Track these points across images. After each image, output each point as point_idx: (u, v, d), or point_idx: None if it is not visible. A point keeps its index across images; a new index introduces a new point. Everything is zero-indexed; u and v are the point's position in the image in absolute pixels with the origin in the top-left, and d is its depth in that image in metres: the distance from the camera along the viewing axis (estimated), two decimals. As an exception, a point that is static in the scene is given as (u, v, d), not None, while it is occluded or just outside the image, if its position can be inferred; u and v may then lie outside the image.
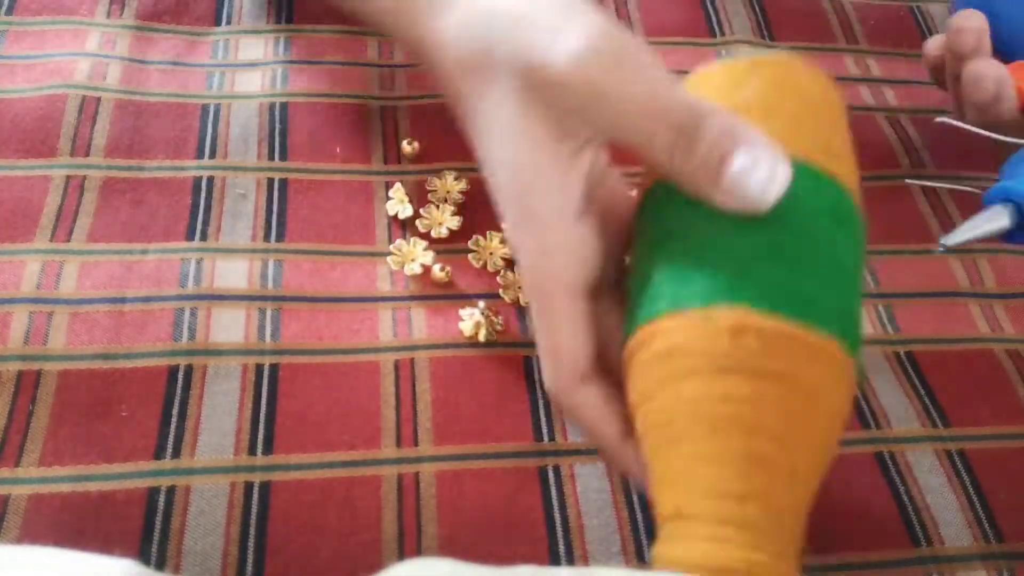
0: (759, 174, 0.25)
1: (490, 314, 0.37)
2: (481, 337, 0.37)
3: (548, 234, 0.28)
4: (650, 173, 0.29)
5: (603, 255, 0.30)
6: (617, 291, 0.30)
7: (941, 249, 0.34)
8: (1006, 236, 0.34)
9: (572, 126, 0.28)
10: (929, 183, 0.42)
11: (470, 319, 0.37)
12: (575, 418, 0.29)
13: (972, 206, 0.45)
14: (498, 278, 0.39)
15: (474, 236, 0.40)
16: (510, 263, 0.40)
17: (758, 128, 0.26)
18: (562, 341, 0.29)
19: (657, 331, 0.26)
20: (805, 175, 0.26)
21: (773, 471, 0.24)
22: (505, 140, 0.29)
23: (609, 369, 0.29)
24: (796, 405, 0.24)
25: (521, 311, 0.38)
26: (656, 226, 0.28)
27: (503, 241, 0.40)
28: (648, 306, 0.27)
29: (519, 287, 0.39)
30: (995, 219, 0.33)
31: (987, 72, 0.40)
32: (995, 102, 0.40)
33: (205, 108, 0.43)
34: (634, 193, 0.31)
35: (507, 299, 0.38)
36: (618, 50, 0.27)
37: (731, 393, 0.24)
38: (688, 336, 0.25)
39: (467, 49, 0.30)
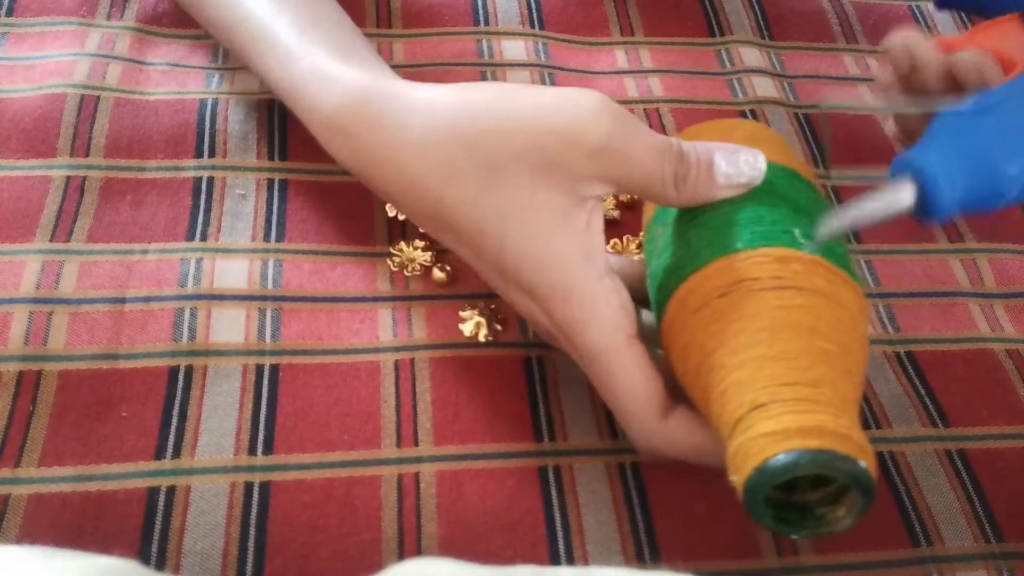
0: (743, 157, 0.31)
1: (490, 314, 0.37)
2: (481, 337, 0.37)
3: (592, 298, 0.31)
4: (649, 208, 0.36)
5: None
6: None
7: (808, 249, 0.30)
8: (913, 215, 0.30)
9: (584, 190, 0.31)
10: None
11: (470, 319, 0.37)
12: (674, 452, 0.32)
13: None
14: None
15: None
16: None
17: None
18: (639, 385, 0.31)
19: (705, 277, 0.30)
20: (796, 176, 0.33)
21: (834, 364, 0.27)
22: (520, 227, 0.31)
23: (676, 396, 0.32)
24: (841, 316, 0.28)
25: (521, 311, 0.38)
26: (675, 220, 0.33)
27: None
28: (690, 264, 0.30)
29: None
30: (897, 196, 0.29)
31: (896, 41, 0.38)
32: (913, 72, 0.38)
33: (204, 106, 0.43)
34: None
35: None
36: (618, 108, 0.31)
37: (788, 303, 0.28)
38: (741, 269, 0.29)
39: (450, 156, 0.31)
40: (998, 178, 0.30)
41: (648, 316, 0.34)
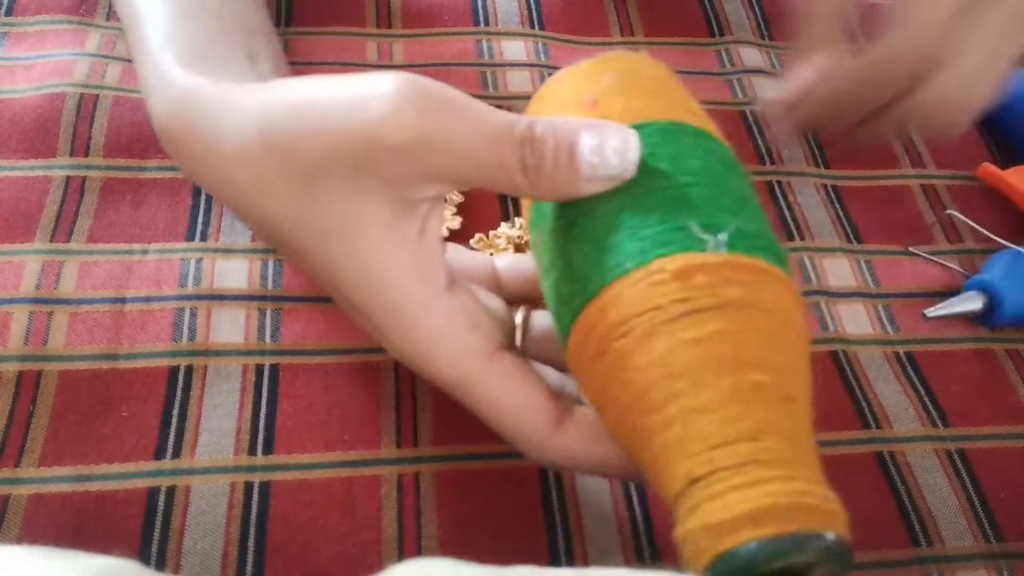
0: (613, 143, 0.25)
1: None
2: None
3: (433, 320, 0.27)
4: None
5: (489, 312, 0.29)
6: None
7: (923, 317, 0.40)
8: (979, 318, 0.40)
9: (411, 193, 0.26)
10: (931, 258, 0.43)
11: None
12: (574, 466, 0.29)
13: (971, 207, 0.45)
14: None
15: (476, 235, 0.40)
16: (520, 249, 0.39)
17: (623, 105, 0.27)
18: (515, 403, 0.28)
19: (601, 308, 0.25)
20: (684, 132, 0.27)
21: (771, 399, 0.23)
22: (343, 247, 0.26)
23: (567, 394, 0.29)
24: (766, 327, 0.24)
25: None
26: (552, 229, 0.28)
27: (508, 239, 0.40)
28: (580, 294, 0.26)
29: None
30: (971, 303, 0.40)
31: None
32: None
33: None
34: (485, 256, 0.33)
35: None
36: (428, 93, 0.26)
37: (700, 333, 0.23)
38: (634, 298, 0.24)
39: (264, 163, 0.27)
40: None
41: (545, 317, 0.31)
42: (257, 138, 0.27)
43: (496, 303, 0.31)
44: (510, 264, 0.33)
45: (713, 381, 0.23)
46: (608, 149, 0.25)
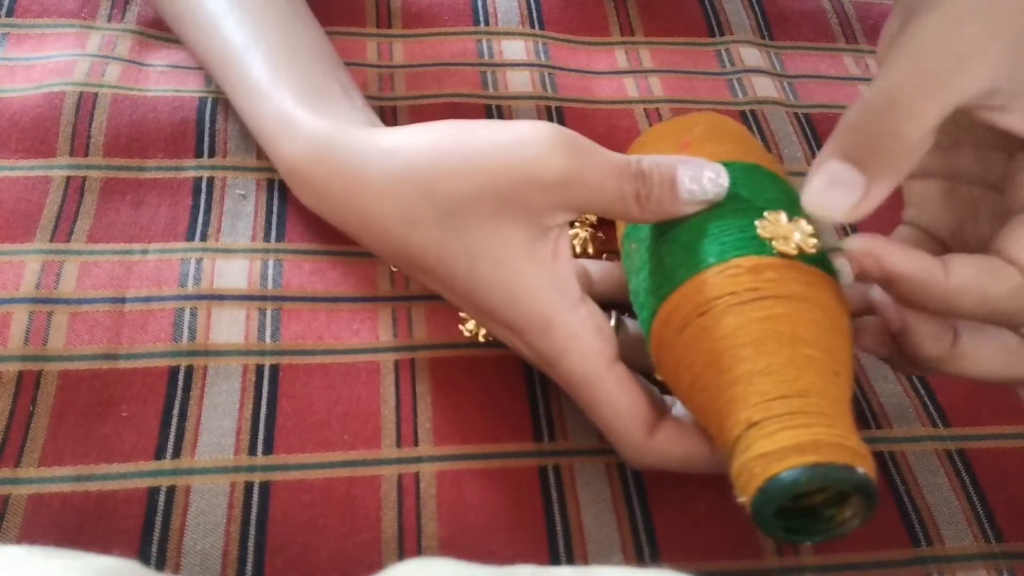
0: (707, 174, 0.31)
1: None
2: (481, 337, 0.37)
3: (568, 328, 0.31)
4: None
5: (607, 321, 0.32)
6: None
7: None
8: None
9: (546, 221, 0.31)
10: None
11: (470, 319, 0.37)
12: (666, 465, 0.32)
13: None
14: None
15: None
16: None
17: (711, 149, 0.33)
18: (621, 407, 0.31)
19: (685, 293, 0.30)
20: (762, 173, 0.33)
21: (820, 370, 0.27)
22: (487, 266, 0.31)
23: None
24: (820, 318, 0.29)
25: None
26: (645, 238, 0.33)
27: None
28: (667, 283, 0.31)
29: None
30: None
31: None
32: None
33: (203, 105, 0.43)
34: (577, 261, 0.36)
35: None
36: (569, 137, 0.30)
37: (767, 314, 0.28)
38: (714, 286, 0.29)
39: (409, 203, 0.31)
40: None
41: (633, 325, 0.34)
42: (404, 178, 0.31)
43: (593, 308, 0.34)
44: (602, 269, 0.37)
45: (774, 350, 0.28)
46: (703, 178, 0.31)
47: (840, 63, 0.52)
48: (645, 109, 0.47)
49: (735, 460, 0.27)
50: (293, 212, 0.40)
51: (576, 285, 0.31)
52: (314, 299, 0.38)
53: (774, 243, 0.29)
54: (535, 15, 0.50)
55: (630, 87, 0.48)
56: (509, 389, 0.36)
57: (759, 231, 0.30)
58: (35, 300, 0.35)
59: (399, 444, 0.34)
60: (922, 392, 0.38)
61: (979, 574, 0.33)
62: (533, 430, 0.35)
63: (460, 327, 0.37)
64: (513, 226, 0.30)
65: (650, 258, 0.32)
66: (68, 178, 0.39)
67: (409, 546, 0.32)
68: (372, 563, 0.31)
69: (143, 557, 0.30)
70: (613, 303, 0.35)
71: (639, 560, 0.32)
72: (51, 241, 0.37)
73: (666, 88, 0.48)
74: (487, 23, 0.49)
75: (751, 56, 0.50)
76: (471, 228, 0.30)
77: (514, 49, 0.48)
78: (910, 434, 0.37)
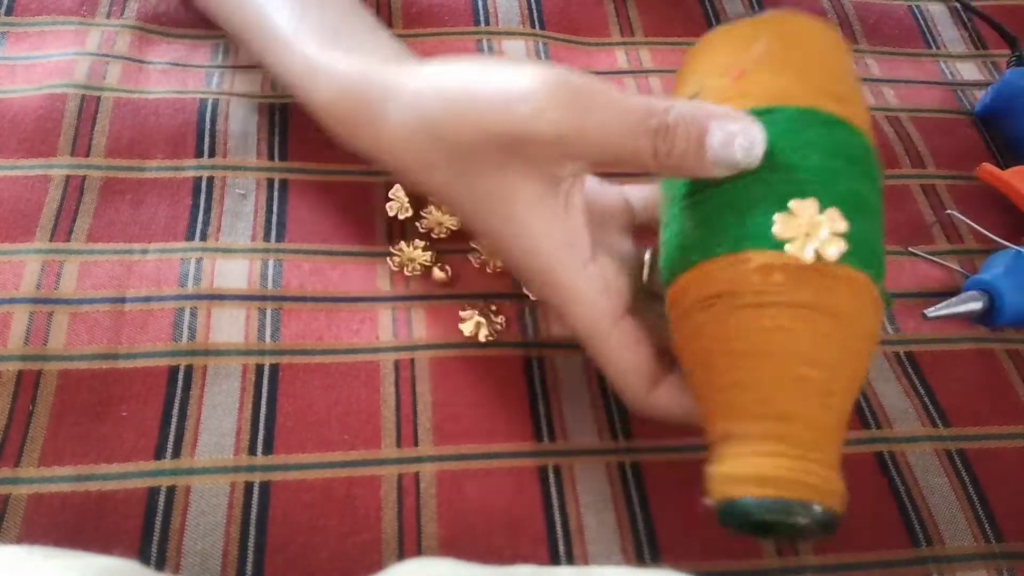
0: (739, 141, 0.28)
1: (490, 314, 0.37)
2: (481, 337, 0.37)
3: (575, 284, 0.31)
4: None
5: (623, 270, 0.33)
6: (649, 280, 0.34)
7: (924, 317, 0.40)
8: (979, 318, 0.40)
9: (557, 172, 0.30)
10: (931, 258, 0.43)
11: (470, 319, 0.37)
12: (666, 417, 0.32)
13: (971, 207, 0.45)
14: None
15: (467, 242, 0.40)
16: None
17: (766, 83, 0.29)
18: (626, 364, 0.32)
19: (693, 279, 0.29)
20: (817, 121, 0.29)
21: (811, 392, 0.27)
22: (497, 213, 0.31)
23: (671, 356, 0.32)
24: (827, 330, 0.27)
25: (522, 311, 0.38)
26: (675, 195, 0.31)
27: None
28: (683, 259, 0.29)
29: None
30: (971, 303, 0.40)
31: None
32: None
33: (204, 106, 0.43)
34: (620, 190, 0.36)
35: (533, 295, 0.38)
36: (572, 88, 0.29)
37: (769, 324, 0.27)
38: (721, 280, 0.28)
39: (423, 144, 0.31)
40: None
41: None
42: (417, 123, 0.31)
43: (627, 246, 0.34)
44: (644, 196, 0.36)
45: (765, 367, 0.27)
46: (735, 144, 0.28)
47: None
48: (645, 109, 0.47)
49: (709, 464, 0.28)
50: (293, 212, 0.40)
51: (587, 241, 0.31)
52: (314, 299, 0.38)
53: (788, 247, 0.27)
54: (535, 15, 0.50)
55: (630, 87, 0.48)
56: (509, 389, 0.36)
57: (775, 228, 0.27)
58: (35, 300, 0.35)
59: (399, 444, 0.34)
60: (922, 392, 0.38)
61: (979, 574, 0.33)
62: (533, 430, 0.35)
63: (459, 327, 0.37)
64: (520, 177, 0.30)
65: (672, 218, 0.31)
66: (68, 177, 0.39)
67: (409, 546, 0.32)
68: (372, 563, 0.31)
69: (143, 557, 0.30)
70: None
71: (639, 560, 0.32)
72: (51, 240, 0.37)
73: (666, 88, 0.48)
74: (487, 23, 0.49)
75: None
76: (478, 174, 0.30)
77: (514, 49, 0.48)
78: (910, 434, 0.37)
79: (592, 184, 0.36)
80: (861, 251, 0.27)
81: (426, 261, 0.39)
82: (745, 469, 0.26)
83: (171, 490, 0.32)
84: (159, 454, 0.33)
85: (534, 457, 0.34)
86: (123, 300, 0.36)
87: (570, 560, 0.32)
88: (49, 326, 0.35)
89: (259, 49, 0.38)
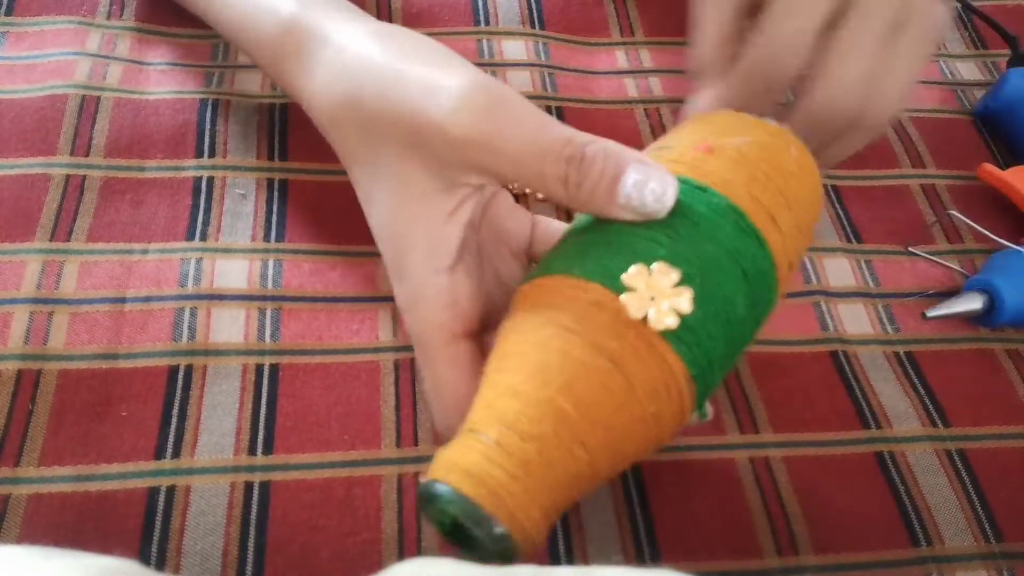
0: (652, 186, 0.27)
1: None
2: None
3: (420, 288, 0.30)
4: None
5: (482, 294, 0.32)
6: None
7: (923, 317, 0.40)
8: (979, 318, 0.40)
9: (456, 177, 0.30)
10: (931, 258, 0.43)
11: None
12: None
13: (970, 208, 0.45)
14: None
15: None
16: None
17: (721, 166, 0.29)
18: (444, 385, 0.30)
19: (537, 286, 0.28)
20: (735, 222, 0.28)
21: (565, 431, 0.25)
22: (383, 194, 0.31)
23: None
24: (614, 388, 0.26)
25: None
26: (576, 223, 0.31)
27: None
28: (540, 270, 0.29)
29: None
30: (971, 302, 0.40)
31: None
32: None
33: (204, 106, 0.43)
34: (531, 218, 0.35)
35: None
36: (494, 98, 0.28)
37: (566, 351, 0.26)
38: (559, 297, 0.27)
39: (338, 105, 0.32)
40: None
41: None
42: (340, 84, 0.31)
43: (515, 272, 0.34)
44: (550, 227, 0.35)
45: (537, 384, 0.26)
46: (647, 187, 0.27)
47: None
48: (645, 109, 0.47)
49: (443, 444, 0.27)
50: (293, 212, 0.40)
51: (453, 255, 0.30)
52: (314, 299, 0.38)
53: (624, 297, 0.26)
54: (535, 15, 0.50)
55: (630, 87, 0.48)
56: (509, 389, 0.36)
57: (624, 275, 0.26)
58: (35, 300, 0.35)
59: (399, 444, 0.34)
60: (922, 392, 0.38)
61: (979, 574, 0.33)
62: (533, 430, 0.35)
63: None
64: (418, 169, 0.30)
65: (564, 239, 0.30)
66: (68, 176, 0.39)
67: (409, 546, 0.32)
68: (372, 563, 0.31)
69: (143, 557, 0.30)
70: None
71: (639, 560, 0.32)
72: (51, 240, 0.37)
73: (666, 88, 0.48)
74: (487, 23, 0.49)
75: (751, 56, 0.50)
76: (380, 153, 0.31)
77: (514, 49, 0.48)
78: (910, 434, 0.37)
79: (505, 201, 0.34)
80: (696, 347, 0.27)
81: (426, 261, 0.39)
82: (461, 458, 0.25)
83: (171, 490, 0.32)
84: (159, 454, 0.33)
85: (534, 457, 0.34)
86: (123, 300, 0.36)
87: (570, 560, 0.32)
88: (49, 326, 0.35)
89: (217, 11, 0.38)
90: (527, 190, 0.40)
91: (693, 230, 0.28)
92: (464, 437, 0.26)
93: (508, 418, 0.26)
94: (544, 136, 0.28)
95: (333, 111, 0.32)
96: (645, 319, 0.26)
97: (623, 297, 0.26)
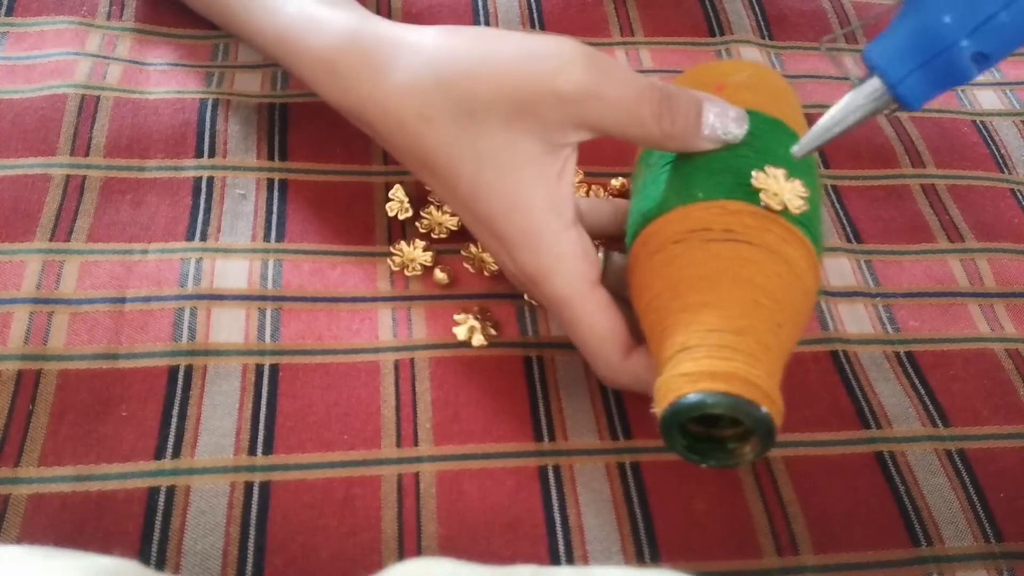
0: (729, 114, 0.32)
1: (484, 318, 0.37)
2: (475, 342, 0.37)
3: (558, 246, 0.32)
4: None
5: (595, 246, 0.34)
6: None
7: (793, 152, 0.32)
8: (894, 104, 0.30)
9: (558, 138, 0.32)
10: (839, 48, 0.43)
11: (464, 323, 0.37)
12: (638, 387, 0.33)
13: (971, 207, 0.45)
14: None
15: (467, 243, 0.40)
16: None
17: (744, 97, 0.34)
18: (602, 330, 0.33)
19: (666, 221, 0.32)
20: (783, 130, 0.34)
21: (764, 317, 0.29)
22: (494, 170, 0.32)
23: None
24: (782, 272, 0.30)
25: (521, 312, 0.38)
26: (653, 164, 0.35)
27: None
28: (656, 208, 0.32)
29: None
30: (862, 93, 0.30)
31: None
32: None
33: (204, 106, 0.43)
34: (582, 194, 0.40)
35: (534, 301, 0.39)
36: (590, 55, 0.31)
37: (733, 255, 0.30)
38: (694, 219, 0.31)
39: (429, 97, 0.32)
40: (940, 32, 0.28)
41: (620, 258, 0.36)
42: (428, 75, 0.32)
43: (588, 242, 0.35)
44: (591, 204, 0.38)
45: (727, 288, 0.30)
46: (728, 119, 0.32)
47: (840, 63, 0.52)
48: (645, 109, 0.47)
49: (661, 376, 0.29)
50: (293, 212, 0.40)
51: (573, 209, 0.33)
52: (314, 299, 0.38)
53: (762, 195, 0.31)
54: (535, 15, 0.50)
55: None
56: (509, 389, 0.36)
57: (753, 181, 0.31)
58: (36, 300, 0.35)
59: (399, 444, 0.34)
60: (922, 392, 0.38)
61: (979, 574, 0.33)
62: (533, 430, 0.35)
63: (454, 330, 0.37)
64: (525, 137, 0.31)
65: (651, 182, 0.34)
66: (68, 176, 0.39)
67: (409, 546, 0.32)
68: (372, 563, 0.31)
69: (143, 557, 0.30)
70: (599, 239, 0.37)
71: (639, 560, 0.32)
72: (51, 240, 0.37)
73: (666, 88, 0.48)
74: (487, 23, 0.49)
75: (751, 56, 0.50)
76: (483, 131, 0.31)
77: (514, 49, 0.48)
78: (910, 434, 0.37)
79: None
80: (810, 225, 0.32)
81: (426, 261, 0.39)
82: (700, 367, 0.28)
83: (171, 490, 0.32)
84: (159, 454, 0.33)
85: (534, 457, 0.34)
86: (123, 300, 0.36)
87: (570, 560, 0.32)
88: (49, 326, 0.35)
89: (239, 8, 0.38)
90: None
91: (764, 142, 0.33)
92: (681, 357, 0.28)
93: (720, 324, 0.29)
94: (637, 82, 0.31)
95: (424, 105, 0.32)
96: (784, 210, 0.31)
97: (763, 197, 0.31)
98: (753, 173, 0.31)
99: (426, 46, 0.33)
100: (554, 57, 0.31)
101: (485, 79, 0.31)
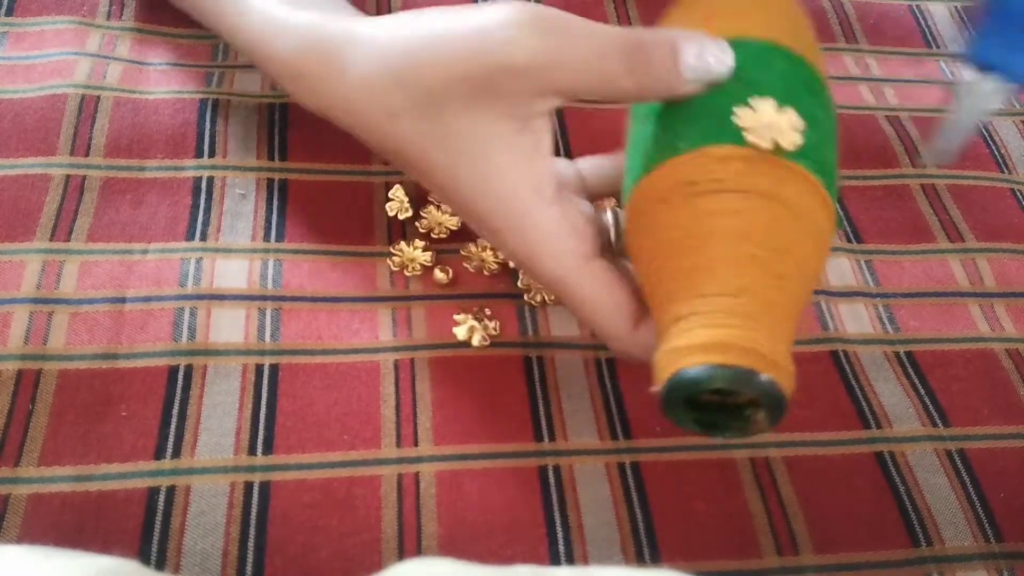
0: (712, 50, 0.29)
1: (484, 319, 0.37)
2: (475, 342, 0.37)
3: (541, 225, 0.31)
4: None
5: (588, 219, 0.32)
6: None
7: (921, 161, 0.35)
8: (1001, 92, 0.33)
9: (527, 110, 0.30)
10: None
11: (463, 323, 0.37)
12: (646, 356, 0.31)
13: (972, 206, 0.45)
14: (519, 283, 0.39)
15: (467, 243, 0.40)
16: (506, 266, 0.39)
17: (735, 24, 0.31)
18: (605, 303, 0.31)
19: (651, 180, 0.29)
20: (777, 54, 0.31)
21: (763, 271, 0.27)
22: (465, 157, 0.30)
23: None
24: (780, 216, 0.28)
25: (521, 312, 0.38)
26: (642, 115, 0.32)
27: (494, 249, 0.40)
28: (641, 166, 0.30)
29: (539, 288, 0.39)
30: (977, 94, 0.32)
31: None
32: None
33: (204, 106, 0.43)
34: (570, 162, 0.37)
35: (535, 302, 0.38)
36: (542, 16, 0.29)
37: (720, 208, 0.28)
38: (680, 173, 0.29)
39: (388, 91, 0.31)
40: None
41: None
42: (383, 70, 0.31)
43: (587, 207, 0.34)
44: (593, 165, 0.37)
45: (718, 245, 0.27)
46: (708, 54, 0.29)
47: (840, 63, 0.52)
48: (645, 109, 0.47)
49: (656, 352, 0.27)
50: (293, 212, 0.40)
51: (553, 183, 0.31)
52: (314, 299, 0.38)
53: (747, 134, 0.28)
54: (535, 15, 0.50)
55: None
56: (509, 389, 0.36)
57: (736, 120, 0.28)
58: (35, 300, 0.35)
59: (399, 444, 0.34)
60: (922, 392, 0.38)
61: (979, 574, 0.33)
62: (533, 430, 0.35)
63: (453, 330, 0.37)
64: (491, 117, 0.30)
65: (638, 139, 0.31)
66: (68, 176, 0.39)
67: (409, 546, 0.32)
68: (372, 563, 0.31)
69: (143, 557, 0.30)
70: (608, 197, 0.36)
71: (639, 560, 0.32)
72: (51, 240, 0.37)
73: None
74: (487, 23, 0.49)
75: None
76: (447, 119, 0.30)
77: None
78: (910, 434, 0.37)
79: None
80: (814, 156, 0.29)
81: (426, 261, 0.39)
82: (693, 339, 0.26)
83: (171, 490, 0.32)
84: (159, 454, 0.33)
85: (534, 457, 0.34)
86: (123, 300, 0.36)
87: (570, 560, 0.32)
88: (49, 326, 0.35)
89: (213, 11, 0.37)
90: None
91: (754, 73, 0.30)
92: (678, 328, 0.26)
93: (712, 288, 0.27)
94: (600, 37, 0.29)
95: (385, 100, 0.31)
96: (775, 148, 0.28)
97: (748, 136, 0.28)
98: (735, 110, 0.28)
99: (379, 40, 0.31)
100: (501, 28, 0.29)
101: (435, 65, 0.30)
